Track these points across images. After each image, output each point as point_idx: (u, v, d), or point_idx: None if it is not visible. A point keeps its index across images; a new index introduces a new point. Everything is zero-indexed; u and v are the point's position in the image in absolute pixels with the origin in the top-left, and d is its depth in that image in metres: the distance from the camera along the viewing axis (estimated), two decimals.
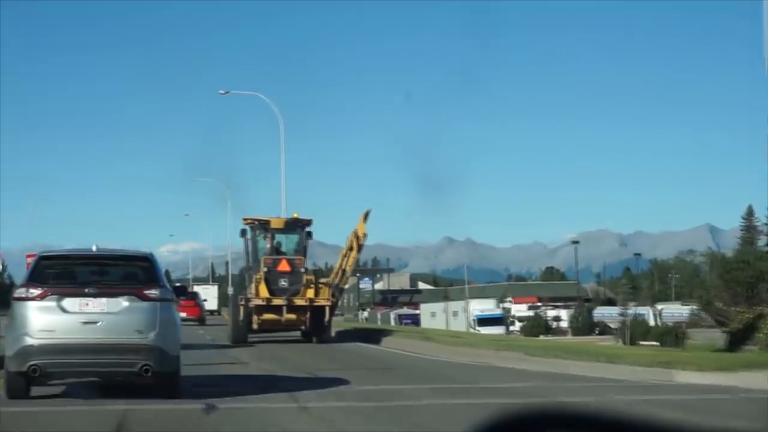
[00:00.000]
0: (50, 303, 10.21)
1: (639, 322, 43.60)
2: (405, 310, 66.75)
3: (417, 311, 64.86)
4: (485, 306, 57.81)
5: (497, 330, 48.02)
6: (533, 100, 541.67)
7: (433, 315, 61.34)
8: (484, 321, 52.50)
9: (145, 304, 10.44)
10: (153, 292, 10.49)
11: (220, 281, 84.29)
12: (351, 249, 24.92)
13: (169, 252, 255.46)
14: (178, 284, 23.19)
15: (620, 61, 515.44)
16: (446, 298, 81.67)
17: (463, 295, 66.89)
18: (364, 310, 73.19)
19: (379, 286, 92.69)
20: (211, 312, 50.33)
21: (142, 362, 10.18)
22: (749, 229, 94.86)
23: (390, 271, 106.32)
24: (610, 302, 70.15)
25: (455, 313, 57.52)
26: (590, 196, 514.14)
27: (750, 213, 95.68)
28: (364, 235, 24.66)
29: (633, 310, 54.80)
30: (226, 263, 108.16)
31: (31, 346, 10.10)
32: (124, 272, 11.30)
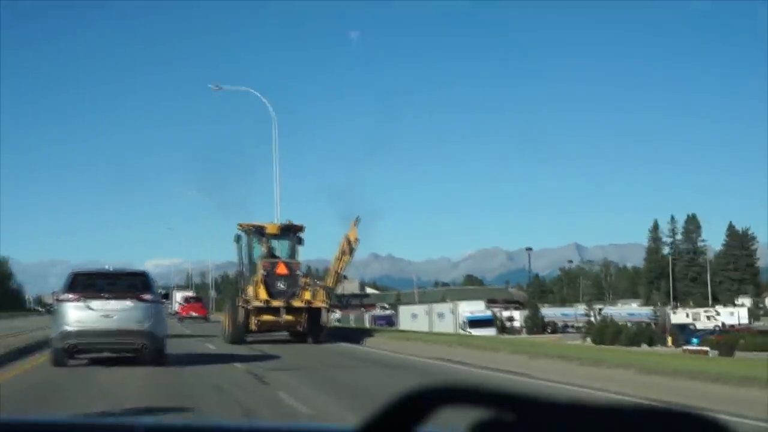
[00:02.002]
0: (81, 303, 14.89)
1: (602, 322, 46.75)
2: (379, 312, 67.35)
3: (389, 312, 65.97)
4: (474, 308, 57.31)
5: (488, 332, 47.28)
6: (437, 141, 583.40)
7: (414, 316, 60.84)
8: (475, 323, 51.47)
9: (142, 304, 15.22)
10: (147, 296, 15.36)
11: (196, 288, 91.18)
12: (344, 253, 25.86)
13: (154, 265, 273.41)
14: (163, 291, 25.66)
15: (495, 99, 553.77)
16: (398, 300, 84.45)
17: (413, 299, 69.10)
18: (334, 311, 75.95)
19: None
20: None
21: (141, 342, 15.08)
22: (655, 240, 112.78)
23: (344, 278, 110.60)
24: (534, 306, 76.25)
25: (441, 315, 57.57)
26: (486, 217, 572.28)
27: (656, 227, 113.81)
28: (356, 240, 25.56)
29: (592, 311, 59.64)
30: (202, 273, 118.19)
31: (70, 331, 14.79)
32: (129, 283, 15.76)
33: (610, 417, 0.87)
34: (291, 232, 26.24)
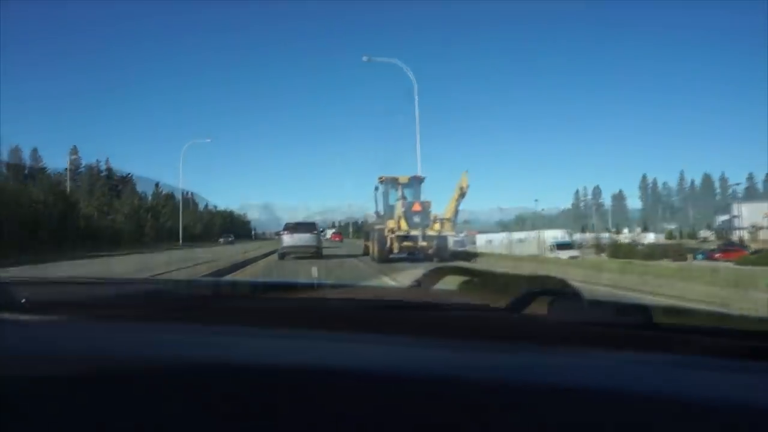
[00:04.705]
0: (289, 234, 28.91)
1: None
2: (458, 237, 72.35)
3: (464, 238, 70.73)
4: (557, 234, 64.87)
5: (573, 253, 50.95)
6: None
7: (489, 242, 67.25)
8: (561, 246, 56.79)
9: (313, 235, 29.27)
10: (315, 232, 29.60)
11: (338, 227, 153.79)
12: (459, 195, 33.21)
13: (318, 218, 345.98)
14: (322, 229, 35.45)
15: None
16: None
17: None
18: None
19: None
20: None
21: (314, 250, 28.71)
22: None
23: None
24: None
25: (521, 240, 64.05)
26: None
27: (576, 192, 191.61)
28: (467, 185, 32.73)
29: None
30: (340, 220, 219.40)
31: (285, 246, 28.69)
32: (308, 226, 30.13)
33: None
34: (417, 181, 33.77)
